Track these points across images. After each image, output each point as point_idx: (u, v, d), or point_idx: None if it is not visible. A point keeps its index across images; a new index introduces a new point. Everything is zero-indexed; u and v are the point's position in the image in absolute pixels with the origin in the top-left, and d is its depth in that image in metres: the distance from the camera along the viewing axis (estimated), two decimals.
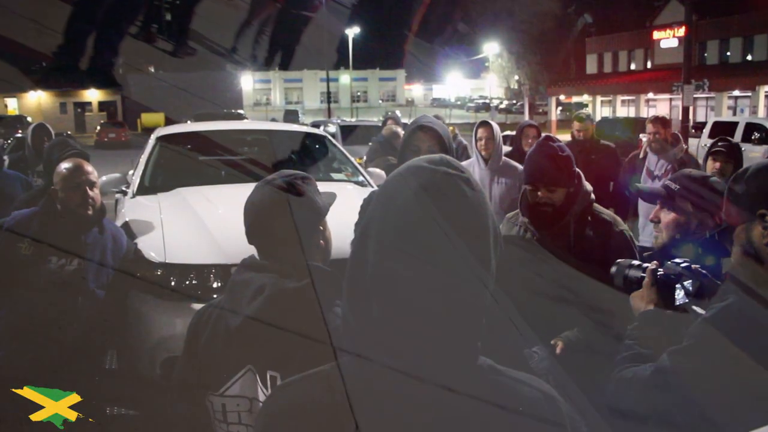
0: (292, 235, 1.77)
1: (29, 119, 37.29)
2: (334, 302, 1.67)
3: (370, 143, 9.76)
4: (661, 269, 1.99)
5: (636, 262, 2.10)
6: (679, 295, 1.93)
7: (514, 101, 63.29)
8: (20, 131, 23.56)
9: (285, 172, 1.90)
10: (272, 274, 1.74)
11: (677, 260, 1.99)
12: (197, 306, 3.44)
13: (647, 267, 2.03)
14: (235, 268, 1.86)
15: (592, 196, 3.00)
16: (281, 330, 1.62)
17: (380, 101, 78.99)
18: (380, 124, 10.96)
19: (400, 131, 6.95)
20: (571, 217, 2.91)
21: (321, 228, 1.89)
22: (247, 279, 1.76)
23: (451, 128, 7.39)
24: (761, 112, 32.76)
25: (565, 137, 6.25)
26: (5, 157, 5.84)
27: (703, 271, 1.95)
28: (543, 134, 3.95)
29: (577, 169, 3.01)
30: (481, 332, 1.08)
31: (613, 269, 2.13)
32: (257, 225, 1.85)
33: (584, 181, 2.99)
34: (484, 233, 1.07)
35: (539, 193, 2.90)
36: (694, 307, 1.88)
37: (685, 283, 1.93)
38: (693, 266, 1.96)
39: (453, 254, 1.03)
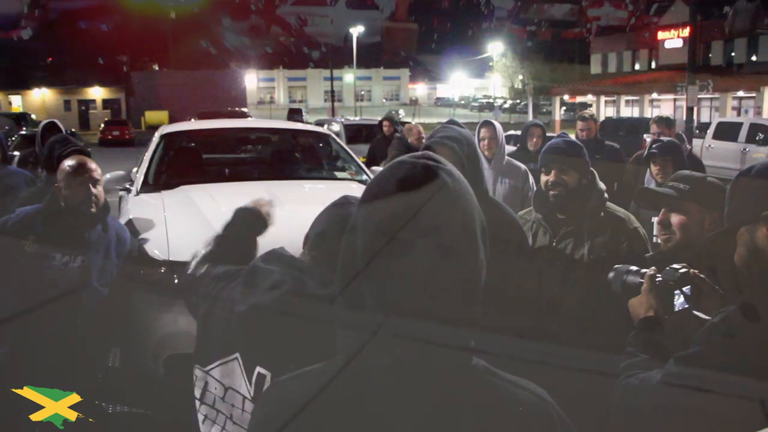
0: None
1: (33, 116, 37.40)
2: None
3: (370, 143, 9.77)
4: (660, 275, 1.97)
5: (634, 268, 2.06)
6: (679, 301, 1.92)
7: (518, 101, 63.24)
8: (24, 128, 23.62)
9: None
10: (298, 272, 1.64)
11: (676, 266, 1.96)
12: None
13: (645, 273, 2.01)
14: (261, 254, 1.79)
15: (606, 194, 3.05)
16: (285, 330, 1.56)
17: (384, 100, 78.99)
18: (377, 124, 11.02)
19: (422, 132, 7.14)
20: (585, 214, 2.96)
21: None
22: (271, 269, 1.66)
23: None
24: (765, 113, 32.67)
25: None
26: (15, 154, 5.85)
27: (702, 276, 1.93)
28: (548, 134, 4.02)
29: (592, 169, 3.08)
30: (474, 329, 1.07)
31: (611, 275, 2.09)
32: (331, 236, 1.67)
33: (598, 179, 3.04)
34: (469, 223, 1.06)
35: (551, 174, 2.97)
36: (695, 312, 1.86)
37: (684, 288, 1.91)
38: (692, 271, 1.94)
39: (437, 248, 1.02)
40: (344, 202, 1.78)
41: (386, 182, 1.07)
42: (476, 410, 1.04)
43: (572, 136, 3.96)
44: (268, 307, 1.59)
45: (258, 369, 1.60)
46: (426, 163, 1.07)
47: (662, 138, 5.13)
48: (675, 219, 2.46)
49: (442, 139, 2.77)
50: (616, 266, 2.12)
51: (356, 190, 5.08)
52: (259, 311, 1.59)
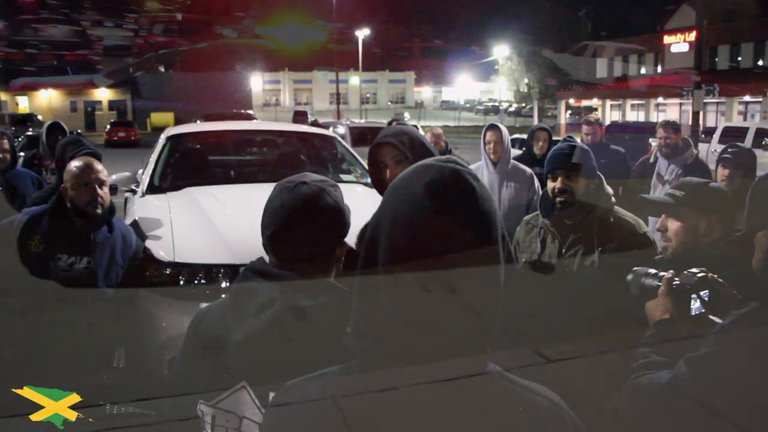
0: (315, 246, 1.65)
1: (40, 117, 37.53)
2: (346, 324, 1.61)
3: None
4: (677, 278, 1.98)
5: (652, 271, 2.07)
6: (695, 305, 1.92)
7: (524, 104, 63.20)
8: (31, 129, 23.69)
9: (312, 176, 1.73)
10: (284, 286, 1.60)
11: (694, 270, 1.96)
12: (205, 306, 3.44)
13: (663, 276, 2.01)
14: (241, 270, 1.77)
15: (613, 198, 3.03)
16: (287, 348, 1.53)
17: (389, 103, 78.96)
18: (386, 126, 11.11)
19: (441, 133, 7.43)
20: (594, 219, 2.94)
21: (344, 242, 1.73)
22: (255, 287, 1.62)
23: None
24: None
25: None
26: (20, 155, 5.88)
27: (720, 280, 1.93)
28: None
29: (600, 173, 3.06)
30: (493, 335, 1.07)
31: (629, 277, 2.11)
32: (282, 230, 1.65)
33: (606, 184, 3.03)
34: (494, 228, 1.06)
35: (558, 180, 2.96)
36: (711, 317, 1.86)
37: (701, 293, 1.91)
38: (709, 275, 1.94)
39: (465, 251, 1.02)
40: (278, 195, 1.70)
41: (414, 185, 1.06)
42: (492, 416, 1.04)
43: (578, 140, 3.95)
44: (265, 330, 1.54)
45: (271, 394, 1.55)
46: (454, 167, 1.07)
47: (739, 144, 5.10)
48: (672, 226, 2.49)
49: (380, 139, 2.74)
50: (634, 268, 2.13)
51: (361, 192, 5.09)
52: (255, 338, 1.54)
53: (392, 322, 1.04)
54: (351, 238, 1.80)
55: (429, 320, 1.02)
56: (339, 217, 1.70)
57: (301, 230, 1.65)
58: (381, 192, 2.85)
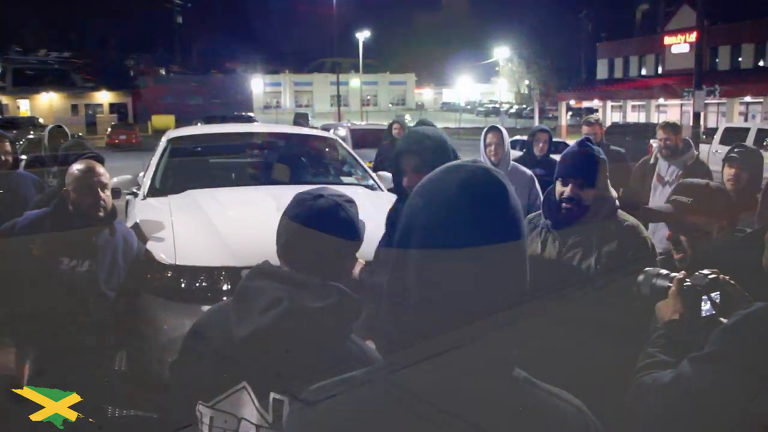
0: (325, 258, 1.68)
1: (41, 120, 37.58)
2: (351, 330, 1.60)
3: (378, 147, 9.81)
4: (688, 279, 1.98)
5: (664, 271, 2.06)
6: (706, 307, 1.92)
7: (524, 106, 63.18)
8: (32, 132, 23.70)
9: (330, 190, 1.78)
10: (292, 287, 1.61)
11: (705, 271, 1.96)
12: (207, 308, 3.45)
13: (674, 276, 2.01)
14: (246, 271, 1.78)
15: (617, 202, 2.99)
16: (291, 350, 1.52)
17: (390, 105, 78.91)
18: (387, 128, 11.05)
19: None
20: (596, 222, 2.90)
21: (356, 257, 1.76)
22: (262, 287, 1.63)
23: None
24: None
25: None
26: (22, 158, 5.89)
27: (731, 282, 1.92)
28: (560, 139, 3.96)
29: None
30: (518, 340, 1.08)
31: (641, 277, 2.10)
32: (294, 239, 1.70)
33: (610, 187, 2.99)
34: (522, 224, 1.09)
35: (568, 188, 2.88)
36: (721, 319, 1.86)
37: (712, 294, 1.91)
38: (721, 277, 1.94)
39: (497, 253, 1.04)
40: (294, 207, 1.75)
41: (446, 186, 1.08)
42: (517, 420, 1.05)
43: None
44: (269, 328, 1.55)
45: (272, 395, 1.56)
46: (485, 167, 1.10)
47: (746, 144, 5.10)
48: (684, 237, 2.47)
49: (401, 148, 2.74)
50: (646, 269, 2.13)
51: (362, 194, 5.09)
52: (260, 335, 1.55)
53: (418, 328, 1.05)
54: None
55: (455, 327, 1.03)
56: (351, 232, 1.73)
57: (312, 242, 1.67)
58: (399, 196, 2.87)
